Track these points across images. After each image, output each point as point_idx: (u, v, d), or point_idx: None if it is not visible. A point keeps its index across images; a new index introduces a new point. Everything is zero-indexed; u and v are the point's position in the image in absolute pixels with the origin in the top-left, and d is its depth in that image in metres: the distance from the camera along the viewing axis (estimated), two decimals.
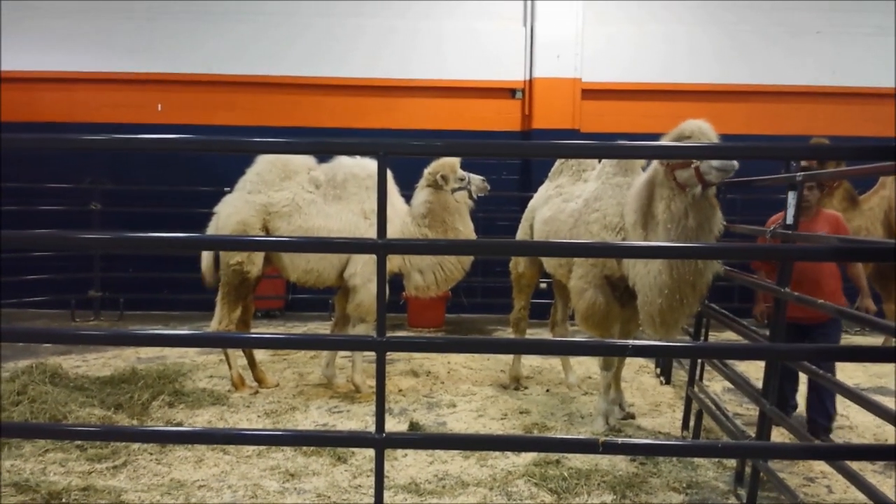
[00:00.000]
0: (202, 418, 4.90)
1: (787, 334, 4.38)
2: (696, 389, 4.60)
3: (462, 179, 5.47)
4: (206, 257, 5.57)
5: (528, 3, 9.18)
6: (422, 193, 5.50)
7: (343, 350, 6.09)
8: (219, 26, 9.23)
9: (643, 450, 3.43)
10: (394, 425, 4.82)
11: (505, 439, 3.85)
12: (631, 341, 2.57)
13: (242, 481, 3.84)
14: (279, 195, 5.41)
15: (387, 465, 3.96)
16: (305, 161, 5.59)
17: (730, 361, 4.49)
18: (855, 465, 2.91)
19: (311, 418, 4.98)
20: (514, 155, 9.21)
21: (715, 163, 3.54)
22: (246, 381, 5.62)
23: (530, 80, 9.22)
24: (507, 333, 7.00)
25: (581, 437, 4.44)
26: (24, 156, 8.94)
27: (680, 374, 5.97)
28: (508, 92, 9.38)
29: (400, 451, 4.21)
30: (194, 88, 9.26)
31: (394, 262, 5.35)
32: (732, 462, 4.06)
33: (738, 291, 8.18)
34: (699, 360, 4.89)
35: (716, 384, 5.82)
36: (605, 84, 9.22)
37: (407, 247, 4.45)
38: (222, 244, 4.46)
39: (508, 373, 5.94)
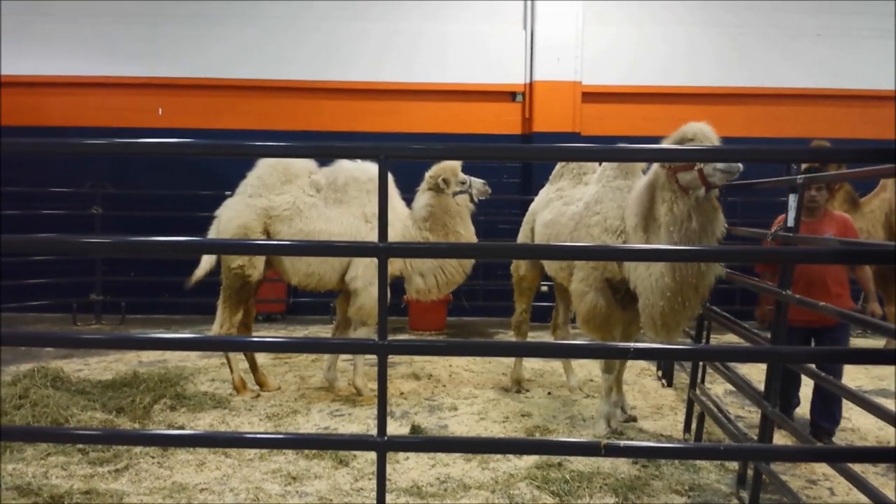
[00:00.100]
0: (204, 422, 4.90)
1: (796, 338, 4.39)
2: (697, 392, 4.60)
3: (463, 183, 5.48)
4: (206, 261, 5.58)
5: (529, 4, 9.20)
6: (423, 197, 5.50)
7: (344, 353, 6.10)
8: (222, 30, 9.25)
9: (645, 452, 3.43)
10: (395, 428, 4.83)
11: (507, 442, 3.85)
12: (633, 344, 2.57)
13: (244, 485, 3.84)
14: (280, 199, 5.41)
15: (388, 468, 3.96)
16: (306, 165, 5.60)
17: (731, 364, 4.49)
18: (857, 468, 2.91)
19: (312, 421, 4.98)
20: (515, 158, 9.28)
21: (719, 165, 3.54)
22: (247, 384, 5.62)
23: (531, 84, 9.23)
24: (509, 336, 7.00)
25: (583, 439, 4.43)
26: (25, 160, 8.97)
27: (681, 376, 5.97)
28: (509, 95, 9.39)
29: (402, 455, 4.21)
30: (197, 92, 9.28)
31: (395, 266, 5.35)
32: (734, 464, 4.05)
33: (740, 294, 8.18)
34: (701, 363, 4.89)
35: (717, 387, 5.81)
36: (605, 87, 9.23)
37: (408, 250, 4.47)
38: (223, 248, 4.47)
39: (510, 376, 5.94)
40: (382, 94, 9.35)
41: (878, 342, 7.57)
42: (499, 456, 4.21)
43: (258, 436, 3.90)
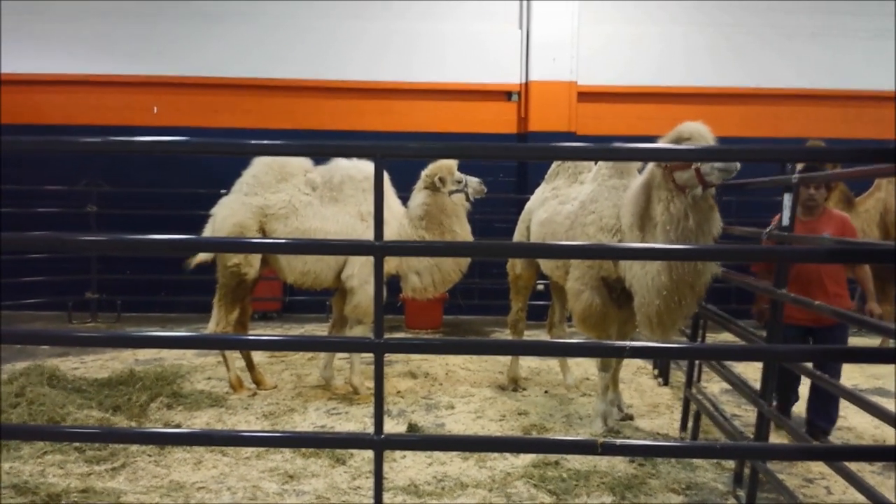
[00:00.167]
0: (200, 420, 4.90)
1: (794, 337, 4.40)
2: (693, 391, 4.61)
3: (459, 182, 5.48)
4: (201, 258, 5.60)
5: (524, 4, 9.20)
6: (419, 195, 5.50)
7: (341, 352, 6.09)
8: (219, 29, 9.24)
9: (642, 451, 3.43)
10: (392, 427, 4.83)
11: (503, 440, 3.85)
12: (628, 342, 2.58)
13: (241, 483, 3.84)
14: (276, 197, 5.41)
15: (385, 467, 3.96)
16: (302, 163, 5.59)
17: (727, 362, 4.50)
18: (853, 466, 2.92)
19: (309, 420, 4.98)
20: (511, 157, 9.25)
21: (717, 164, 3.55)
22: (244, 382, 5.61)
23: (526, 83, 9.24)
24: (505, 335, 7.01)
25: (580, 438, 4.42)
26: (22, 158, 8.97)
27: (678, 375, 5.98)
28: (505, 95, 9.40)
29: (399, 453, 4.22)
30: (195, 91, 9.27)
31: (391, 264, 5.35)
32: (731, 463, 4.06)
33: (735, 293, 8.20)
34: (697, 362, 4.90)
35: (714, 385, 5.83)
36: (600, 87, 9.24)
37: (404, 249, 4.45)
38: (219, 246, 4.46)
39: (507, 374, 5.94)
40: (379, 93, 9.35)
41: (875, 341, 7.58)
42: (496, 454, 4.22)
43: (255, 434, 3.89)
